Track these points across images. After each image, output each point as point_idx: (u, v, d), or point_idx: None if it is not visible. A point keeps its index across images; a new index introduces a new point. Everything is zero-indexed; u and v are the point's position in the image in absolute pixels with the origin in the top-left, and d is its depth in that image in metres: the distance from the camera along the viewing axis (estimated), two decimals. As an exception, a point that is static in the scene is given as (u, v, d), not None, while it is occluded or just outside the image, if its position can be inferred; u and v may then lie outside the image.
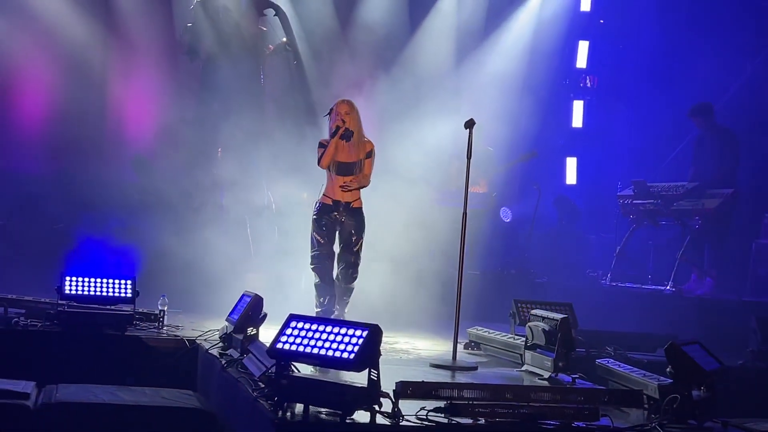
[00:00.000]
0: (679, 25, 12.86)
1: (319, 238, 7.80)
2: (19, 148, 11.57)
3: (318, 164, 7.75)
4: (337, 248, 7.94)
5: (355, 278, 7.89)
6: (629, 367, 5.71)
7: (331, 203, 7.77)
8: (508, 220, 12.19)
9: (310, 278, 8.72)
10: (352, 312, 8.08)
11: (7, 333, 6.87)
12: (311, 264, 7.87)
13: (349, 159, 7.71)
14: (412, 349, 7.54)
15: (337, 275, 7.90)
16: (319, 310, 7.86)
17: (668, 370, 4.94)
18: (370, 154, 7.78)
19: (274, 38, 11.78)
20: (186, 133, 11.28)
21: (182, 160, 10.68)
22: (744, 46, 12.15)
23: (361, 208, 7.85)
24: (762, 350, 7.26)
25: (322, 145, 7.77)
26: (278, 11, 11.79)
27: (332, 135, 7.66)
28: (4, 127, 11.26)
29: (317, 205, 7.85)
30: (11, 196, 10.88)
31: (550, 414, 4.61)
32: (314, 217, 7.82)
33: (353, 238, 7.80)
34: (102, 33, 11.98)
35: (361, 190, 7.83)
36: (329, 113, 7.79)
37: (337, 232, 7.85)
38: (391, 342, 7.67)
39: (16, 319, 7.01)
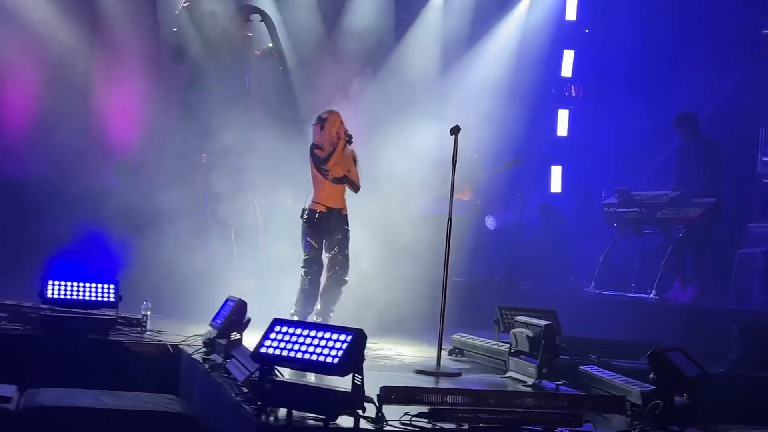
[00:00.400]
0: (664, 35, 12.95)
1: (313, 243, 7.98)
2: (3, 153, 11.49)
3: (324, 165, 7.92)
4: (325, 256, 8.13)
5: (345, 282, 8.13)
6: (612, 373, 5.73)
7: (325, 210, 7.98)
8: (493, 227, 12.21)
9: (294, 283, 8.73)
10: (335, 318, 8.09)
11: (-12, 337, 6.82)
12: (304, 268, 8.01)
13: (343, 168, 8.03)
14: (396, 356, 7.54)
15: (328, 280, 8.08)
16: (296, 309, 7.98)
17: (651, 376, 4.97)
18: (355, 160, 8.14)
19: (261, 44, 11.77)
20: (170, 139, 11.25)
21: (166, 166, 10.65)
22: (727, 56, 12.25)
23: (347, 215, 8.15)
24: (743, 358, 7.29)
25: (319, 147, 7.98)
26: (264, 17, 11.78)
27: (338, 142, 7.93)
28: (-13, 130, 11.19)
29: (309, 212, 7.99)
30: (-6, 200, 10.82)
31: (534, 420, 4.62)
32: (306, 223, 7.98)
33: (341, 245, 8.05)
34: (87, 38, 11.93)
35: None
36: (317, 122, 8.05)
37: (327, 240, 8.06)
38: (375, 348, 7.65)
39: (-3, 323, 6.97)
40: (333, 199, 8.01)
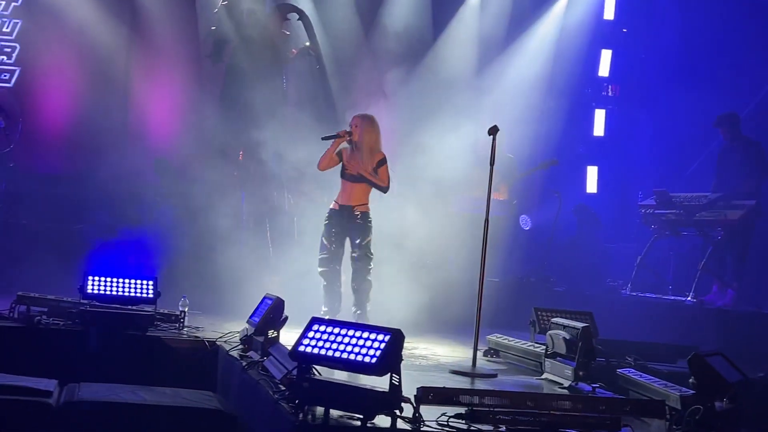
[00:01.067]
0: (703, 33, 12.81)
1: (326, 242, 8.23)
2: (43, 149, 11.65)
3: (317, 165, 8.35)
4: (347, 254, 8.31)
5: (370, 270, 8.25)
6: (650, 377, 5.69)
7: (338, 208, 8.22)
8: (528, 227, 12.16)
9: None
10: (372, 315, 8.11)
11: (29, 331, 6.91)
12: (319, 267, 8.28)
13: (358, 169, 8.14)
14: (432, 355, 7.54)
15: (352, 273, 8.26)
16: (326, 309, 8.12)
17: (691, 380, 4.92)
18: (382, 162, 8.19)
19: (298, 42, 11.81)
20: (208, 136, 11.33)
21: (204, 163, 10.73)
22: (768, 55, 12.10)
23: (367, 212, 8.25)
24: (784, 363, 7.21)
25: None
26: (302, 15, 11.81)
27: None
28: (29, 128, 11.33)
29: (328, 210, 8.30)
30: (35, 195, 10.95)
31: (572, 423, 4.59)
32: (324, 222, 8.27)
33: (361, 238, 8.19)
34: (126, 35, 12.08)
35: (368, 195, 8.25)
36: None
37: (347, 237, 8.25)
38: (410, 348, 7.66)
39: (38, 318, 7.05)
40: (347, 196, 8.20)
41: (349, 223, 8.20)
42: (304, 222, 10.38)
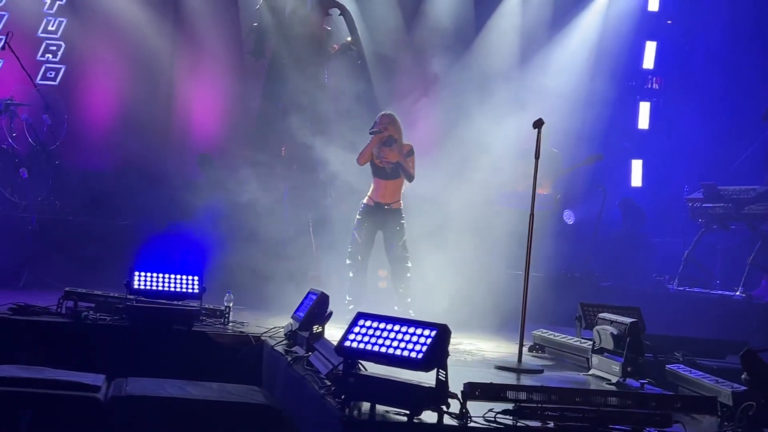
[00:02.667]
0: (750, 24, 12.59)
1: (357, 237, 8.43)
2: (88, 146, 11.78)
3: (356, 160, 8.51)
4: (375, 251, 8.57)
5: (408, 268, 8.44)
6: (701, 373, 5.60)
7: (372, 204, 8.40)
8: (572, 222, 12.05)
9: (372, 280, 8.81)
10: (416, 311, 8.09)
11: (77, 326, 6.98)
12: (348, 259, 8.49)
13: (385, 165, 8.35)
14: (477, 351, 7.50)
15: (391, 273, 8.53)
16: (350, 299, 8.32)
17: (743, 376, 4.84)
18: (411, 152, 8.39)
19: (339, 38, 11.81)
20: (250, 132, 11.38)
21: (247, 159, 10.78)
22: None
23: (400, 209, 8.44)
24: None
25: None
26: (343, 11, 11.81)
27: (371, 134, 8.38)
28: (74, 125, 11.46)
29: (361, 206, 8.50)
30: (80, 192, 11.08)
31: (621, 419, 4.54)
32: (357, 216, 8.48)
33: (396, 236, 8.40)
34: (170, 32, 12.17)
35: (402, 192, 8.46)
36: (374, 126, 8.45)
37: (381, 233, 8.46)
38: (455, 343, 7.60)
39: (85, 313, 7.12)
40: (381, 193, 8.37)
41: (383, 220, 8.38)
42: (346, 217, 10.37)
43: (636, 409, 4.66)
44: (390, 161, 8.32)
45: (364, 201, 8.46)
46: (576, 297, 8.37)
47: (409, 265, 8.46)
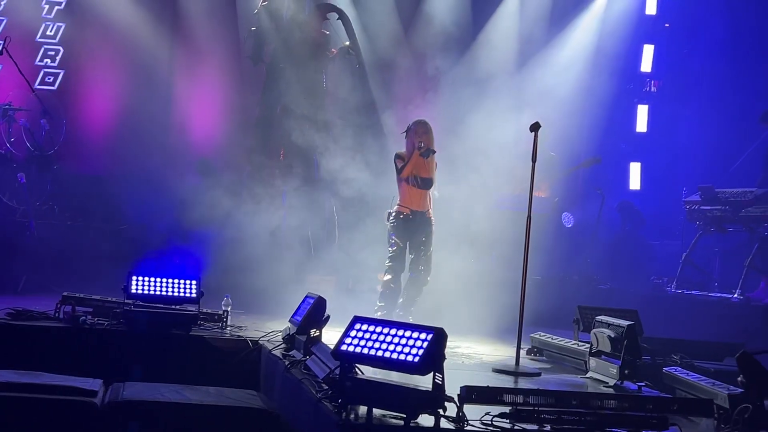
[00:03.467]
0: (748, 28, 12.61)
1: (398, 240, 8.42)
2: (86, 151, 11.80)
3: (399, 175, 8.39)
4: (408, 256, 8.51)
5: (427, 282, 8.47)
6: (697, 375, 5.60)
7: (409, 212, 8.40)
8: (570, 225, 12.06)
9: (371, 282, 8.78)
10: (416, 315, 8.09)
11: (75, 331, 6.97)
12: (389, 263, 8.44)
13: (429, 174, 8.41)
14: (474, 354, 7.50)
15: (410, 278, 8.46)
16: (381, 304, 8.29)
17: (739, 379, 4.84)
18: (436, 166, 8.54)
19: (337, 42, 11.83)
20: (249, 136, 11.39)
21: (245, 162, 10.78)
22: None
23: (432, 218, 8.49)
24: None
25: (399, 157, 8.44)
26: (341, 15, 11.83)
27: (423, 153, 8.29)
28: (72, 130, 11.48)
29: (395, 214, 8.43)
30: (78, 197, 11.08)
31: (618, 422, 4.53)
32: (394, 223, 8.43)
33: (425, 245, 8.43)
34: (168, 37, 12.19)
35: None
36: (407, 131, 8.41)
37: (411, 241, 8.44)
38: (453, 346, 7.60)
39: (83, 318, 7.11)
40: (417, 202, 8.38)
41: (421, 229, 8.43)
42: (345, 221, 10.39)
43: (633, 411, 4.65)
44: (427, 177, 8.38)
45: (396, 209, 8.44)
46: (574, 300, 8.37)
47: (429, 279, 8.49)
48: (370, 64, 11.94)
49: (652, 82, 13.79)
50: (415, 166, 8.32)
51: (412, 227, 8.42)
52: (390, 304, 8.36)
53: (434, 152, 8.39)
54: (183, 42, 12.12)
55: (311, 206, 10.56)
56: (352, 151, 10.30)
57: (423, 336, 4.47)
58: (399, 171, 8.41)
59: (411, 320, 8.02)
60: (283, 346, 6.54)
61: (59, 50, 11.78)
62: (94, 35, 11.84)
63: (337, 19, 11.82)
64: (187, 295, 7.38)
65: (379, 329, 4.66)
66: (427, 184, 8.42)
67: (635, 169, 13.61)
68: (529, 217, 6.72)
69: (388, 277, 8.43)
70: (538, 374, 6.49)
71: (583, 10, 12.85)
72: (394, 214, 8.45)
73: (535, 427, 4.46)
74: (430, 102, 10.82)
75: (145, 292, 7.30)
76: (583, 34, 12.79)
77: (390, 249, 8.46)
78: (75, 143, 11.54)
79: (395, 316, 8.12)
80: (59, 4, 11.77)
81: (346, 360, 4.66)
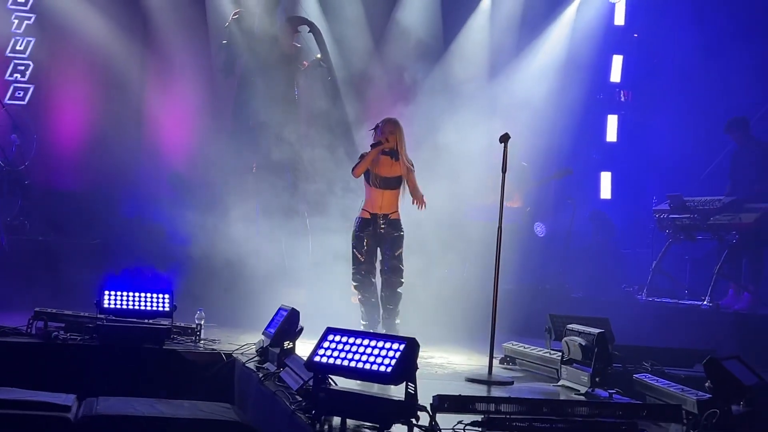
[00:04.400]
0: (715, 38, 12.77)
1: (359, 255, 8.03)
2: (58, 165, 11.75)
3: (351, 172, 8.01)
4: (378, 263, 8.16)
5: (401, 282, 8.05)
6: (667, 381, 5.67)
7: (369, 216, 8.00)
8: (543, 234, 12.14)
9: (344, 293, 8.77)
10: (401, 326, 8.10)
11: (47, 347, 6.95)
12: (353, 282, 8.08)
13: (390, 173, 7.97)
14: (447, 364, 7.54)
15: (382, 284, 8.07)
16: (365, 323, 8.05)
17: (707, 384, 4.91)
18: (408, 171, 8.04)
19: (309, 55, 11.86)
20: (221, 149, 11.39)
21: (217, 176, 10.79)
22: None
23: (398, 219, 8.07)
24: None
25: (361, 156, 8.03)
26: (312, 28, 11.87)
27: (372, 146, 7.91)
28: (43, 145, 11.44)
29: (357, 220, 8.07)
30: (50, 212, 11.04)
31: (588, 429, 4.59)
32: (355, 232, 8.05)
33: (393, 248, 8.02)
34: (139, 51, 12.18)
35: (398, 202, 8.08)
36: (375, 128, 8.04)
37: (378, 245, 8.05)
38: (426, 357, 7.65)
39: (56, 333, 7.10)
40: (378, 204, 7.98)
41: (382, 232, 7.99)
42: (318, 233, 10.41)
43: (603, 418, 4.71)
44: (391, 174, 7.92)
45: (359, 215, 8.06)
46: (547, 309, 8.41)
47: (403, 280, 8.06)
48: (341, 76, 11.99)
49: (622, 92, 13.92)
50: (375, 164, 7.88)
51: (373, 234, 7.98)
52: (372, 321, 8.03)
53: (396, 151, 7.90)
54: (154, 56, 12.12)
55: (284, 218, 10.57)
56: (324, 162, 10.33)
57: (395, 346, 4.51)
58: (353, 168, 7.98)
59: (400, 328, 7.97)
60: (257, 358, 6.56)
61: (29, 65, 11.73)
62: (64, 50, 11.81)
63: (308, 31, 11.86)
64: (160, 309, 7.40)
65: (352, 340, 4.70)
66: (388, 183, 7.94)
67: (606, 179, 13.72)
68: (500, 228, 6.79)
69: (359, 297, 8.07)
70: (511, 383, 6.55)
71: (552, 21, 12.98)
72: (357, 221, 8.07)
73: (507, 434, 4.51)
74: (403, 113, 10.86)
75: (118, 306, 7.30)
76: (553, 45, 12.92)
77: (352, 261, 8.08)
78: (46, 158, 11.49)
79: (381, 329, 7.95)
80: (29, 18, 11.73)
81: (319, 371, 4.69)
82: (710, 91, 12.66)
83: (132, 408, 5.76)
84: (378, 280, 8.18)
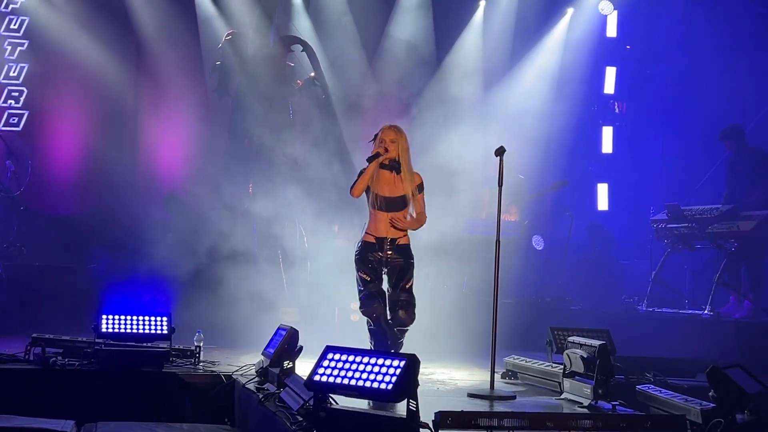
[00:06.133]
0: (707, 48, 12.81)
1: (365, 276, 6.91)
2: (53, 191, 11.74)
3: (350, 192, 6.93)
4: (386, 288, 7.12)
5: (412, 320, 6.95)
6: (670, 392, 5.64)
7: (374, 241, 6.91)
8: (541, 247, 12.12)
9: (344, 310, 8.72)
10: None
11: (45, 373, 6.91)
12: (360, 308, 7.00)
13: (394, 193, 6.90)
14: (449, 380, 7.50)
15: (390, 319, 6.94)
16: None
17: (711, 394, 4.88)
18: (421, 188, 7.00)
19: (303, 73, 11.88)
20: (217, 170, 11.37)
21: (214, 197, 10.77)
22: (772, 67, 12.09)
23: (408, 244, 7.01)
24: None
25: (361, 173, 6.93)
26: (305, 47, 11.89)
27: (369, 160, 6.83)
28: (38, 170, 11.42)
29: (359, 244, 7.01)
30: (47, 237, 11.00)
31: (592, 441, 4.56)
32: (357, 257, 6.96)
33: (403, 277, 6.92)
34: (133, 74, 12.20)
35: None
36: (374, 139, 6.96)
37: (384, 273, 6.99)
38: (428, 373, 7.62)
39: (54, 359, 7.05)
40: (383, 228, 6.87)
41: (388, 259, 6.90)
42: (317, 252, 10.38)
43: (607, 430, 4.68)
44: (393, 194, 6.87)
45: (361, 238, 6.98)
46: (547, 322, 8.40)
47: (414, 317, 6.94)
48: (335, 94, 11.99)
49: (616, 103, 13.95)
50: (375, 182, 6.81)
51: (378, 258, 6.88)
52: (381, 347, 6.93)
53: (398, 163, 6.82)
54: (148, 78, 12.13)
55: (281, 238, 10.54)
56: (320, 180, 10.32)
57: (396, 363, 4.49)
58: (351, 187, 6.87)
59: None
60: (256, 379, 6.51)
61: (23, 91, 11.72)
62: (57, 75, 11.82)
63: (302, 50, 11.88)
64: (158, 331, 7.36)
65: (351, 358, 4.68)
66: (393, 205, 6.85)
67: (603, 190, 13.73)
68: (498, 241, 6.75)
69: (368, 324, 7.00)
70: (513, 397, 6.50)
71: (545, 34, 13.02)
72: (359, 244, 7.00)
73: (511, 449, 4.47)
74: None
75: (116, 330, 7.26)
76: (547, 58, 12.96)
77: (359, 289, 6.99)
78: (41, 184, 11.47)
79: None
80: (22, 45, 11.74)
81: (319, 390, 4.66)
82: (704, 101, 12.69)
83: (131, 432, 5.72)
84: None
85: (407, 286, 6.93)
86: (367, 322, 7.01)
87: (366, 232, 6.98)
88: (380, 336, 6.93)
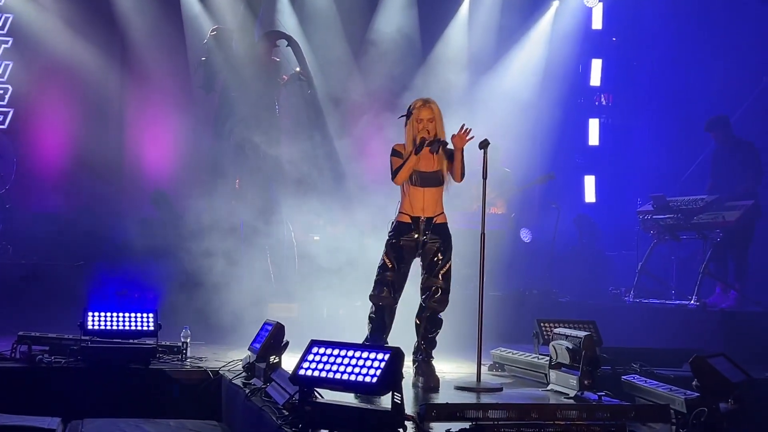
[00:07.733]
0: (693, 39, 12.86)
1: (388, 262, 6.44)
2: (39, 188, 11.71)
3: (392, 179, 6.42)
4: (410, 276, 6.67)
5: (444, 306, 6.55)
6: (655, 382, 5.66)
7: (409, 221, 6.44)
8: (529, 240, 12.15)
9: (333, 304, 8.69)
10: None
11: (31, 370, 6.89)
12: (372, 291, 6.52)
13: (431, 167, 6.45)
14: (437, 372, 7.48)
15: (423, 310, 6.57)
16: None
17: (694, 383, 4.90)
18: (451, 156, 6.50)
19: (288, 68, 11.86)
20: (204, 166, 11.36)
21: (200, 193, 10.74)
22: (759, 58, 12.12)
23: (446, 223, 6.58)
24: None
25: (396, 153, 6.41)
26: (291, 41, 11.87)
27: (418, 149, 6.30)
28: (23, 168, 11.39)
29: (393, 224, 6.51)
30: (33, 235, 10.97)
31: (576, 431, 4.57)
32: (390, 240, 6.46)
33: (439, 260, 6.48)
34: (118, 71, 12.18)
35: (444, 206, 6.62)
36: (407, 114, 6.47)
37: (419, 256, 6.55)
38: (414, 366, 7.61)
39: (40, 357, 7.03)
40: (419, 205, 6.42)
41: (426, 240, 6.43)
42: (304, 246, 10.38)
43: (592, 421, 4.68)
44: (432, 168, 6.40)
45: (395, 218, 6.48)
46: (535, 314, 8.42)
47: (446, 304, 6.54)
48: (321, 89, 11.98)
49: (603, 95, 13.99)
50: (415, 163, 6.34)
51: (415, 241, 6.43)
52: (376, 340, 6.52)
53: (445, 144, 6.43)
54: (133, 75, 12.11)
55: (269, 233, 10.53)
56: (307, 175, 10.31)
57: (380, 356, 4.48)
58: (392, 174, 6.37)
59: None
60: (243, 374, 6.51)
61: (8, 89, 11.69)
62: (42, 72, 11.80)
63: (287, 45, 11.86)
64: (145, 328, 7.35)
65: (336, 352, 4.67)
66: (429, 180, 6.41)
67: (590, 182, 13.78)
68: (482, 234, 6.75)
69: (370, 310, 6.55)
70: (500, 389, 6.51)
71: (530, 27, 13.03)
72: (393, 224, 6.50)
73: (496, 441, 4.47)
74: (381, 123, 10.86)
75: (102, 327, 7.25)
76: (532, 51, 12.97)
77: (377, 272, 6.50)
78: (27, 181, 11.46)
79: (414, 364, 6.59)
80: (6, 42, 11.70)
81: (304, 384, 4.65)
82: (689, 92, 12.73)
83: (118, 429, 5.74)
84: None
85: (443, 272, 6.48)
86: (371, 308, 6.59)
87: (400, 212, 6.49)
88: (378, 328, 6.53)
